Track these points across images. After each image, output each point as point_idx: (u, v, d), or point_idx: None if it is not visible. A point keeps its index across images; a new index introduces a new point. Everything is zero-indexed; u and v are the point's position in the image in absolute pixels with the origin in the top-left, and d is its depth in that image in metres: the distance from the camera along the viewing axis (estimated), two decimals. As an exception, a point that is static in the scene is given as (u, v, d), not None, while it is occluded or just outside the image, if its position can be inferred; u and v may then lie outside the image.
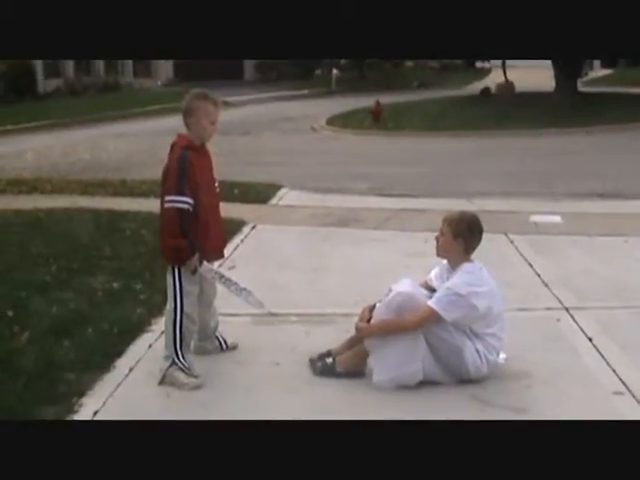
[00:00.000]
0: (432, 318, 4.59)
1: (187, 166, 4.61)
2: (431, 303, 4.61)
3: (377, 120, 22.08)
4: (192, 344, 5.05)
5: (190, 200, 4.61)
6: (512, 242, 8.13)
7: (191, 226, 4.64)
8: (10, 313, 5.96)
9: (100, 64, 38.03)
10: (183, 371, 4.81)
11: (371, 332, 4.75)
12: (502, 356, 4.85)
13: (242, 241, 8.39)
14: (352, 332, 4.96)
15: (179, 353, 4.83)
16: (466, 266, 4.74)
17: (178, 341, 4.83)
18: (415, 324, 4.60)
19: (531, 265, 7.24)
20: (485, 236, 4.88)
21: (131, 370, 5.05)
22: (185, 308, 4.81)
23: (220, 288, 5.16)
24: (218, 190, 5.02)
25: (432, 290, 4.89)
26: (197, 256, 4.71)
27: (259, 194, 11.20)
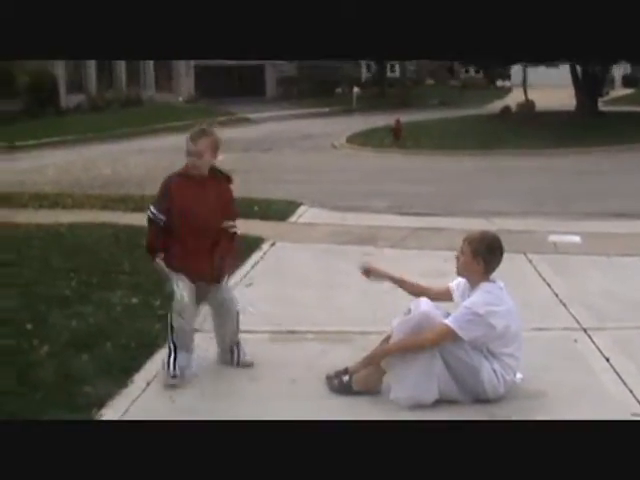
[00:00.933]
0: (449, 336, 4.60)
1: (166, 190, 5.13)
2: (449, 321, 4.62)
3: (397, 138, 22.12)
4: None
5: (162, 217, 5.09)
6: (531, 262, 8.11)
7: (160, 238, 5.15)
8: (30, 326, 6.01)
9: (122, 79, 38.34)
10: (167, 367, 5.11)
11: (389, 351, 4.77)
12: (519, 376, 4.84)
13: (261, 258, 8.42)
14: (369, 350, 4.97)
15: (169, 348, 5.18)
16: (485, 285, 4.75)
17: (169, 337, 5.19)
18: (432, 341, 4.61)
19: (549, 285, 7.22)
20: (504, 255, 4.89)
21: (148, 384, 5.08)
22: (174, 306, 5.14)
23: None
24: (221, 222, 5.14)
25: (451, 299, 4.92)
26: (158, 259, 5.17)
27: (278, 211, 11.24)
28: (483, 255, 4.76)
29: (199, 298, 5.28)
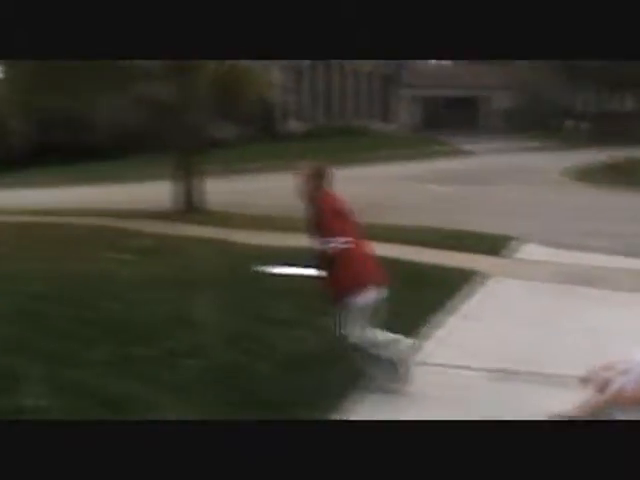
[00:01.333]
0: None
1: None
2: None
3: (615, 174, 21.30)
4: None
5: None
6: None
7: None
8: (248, 345, 6.24)
9: (347, 110, 39.35)
10: None
11: (613, 402, 4.53)
12: None
13: (474, 292, 8.33)
14: (584, 395, 4.76)
15: None
16: None
17: None
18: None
19: None
20: None
21: (358, 416, 5.10)
22: None
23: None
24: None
25: None
26: None
27: (492, 245, 11.09)
28: None
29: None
